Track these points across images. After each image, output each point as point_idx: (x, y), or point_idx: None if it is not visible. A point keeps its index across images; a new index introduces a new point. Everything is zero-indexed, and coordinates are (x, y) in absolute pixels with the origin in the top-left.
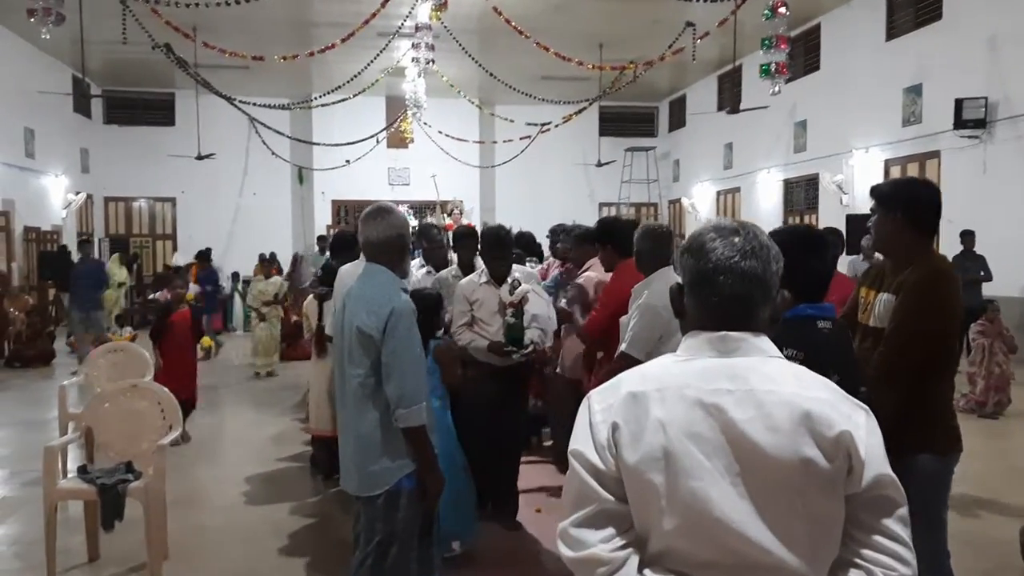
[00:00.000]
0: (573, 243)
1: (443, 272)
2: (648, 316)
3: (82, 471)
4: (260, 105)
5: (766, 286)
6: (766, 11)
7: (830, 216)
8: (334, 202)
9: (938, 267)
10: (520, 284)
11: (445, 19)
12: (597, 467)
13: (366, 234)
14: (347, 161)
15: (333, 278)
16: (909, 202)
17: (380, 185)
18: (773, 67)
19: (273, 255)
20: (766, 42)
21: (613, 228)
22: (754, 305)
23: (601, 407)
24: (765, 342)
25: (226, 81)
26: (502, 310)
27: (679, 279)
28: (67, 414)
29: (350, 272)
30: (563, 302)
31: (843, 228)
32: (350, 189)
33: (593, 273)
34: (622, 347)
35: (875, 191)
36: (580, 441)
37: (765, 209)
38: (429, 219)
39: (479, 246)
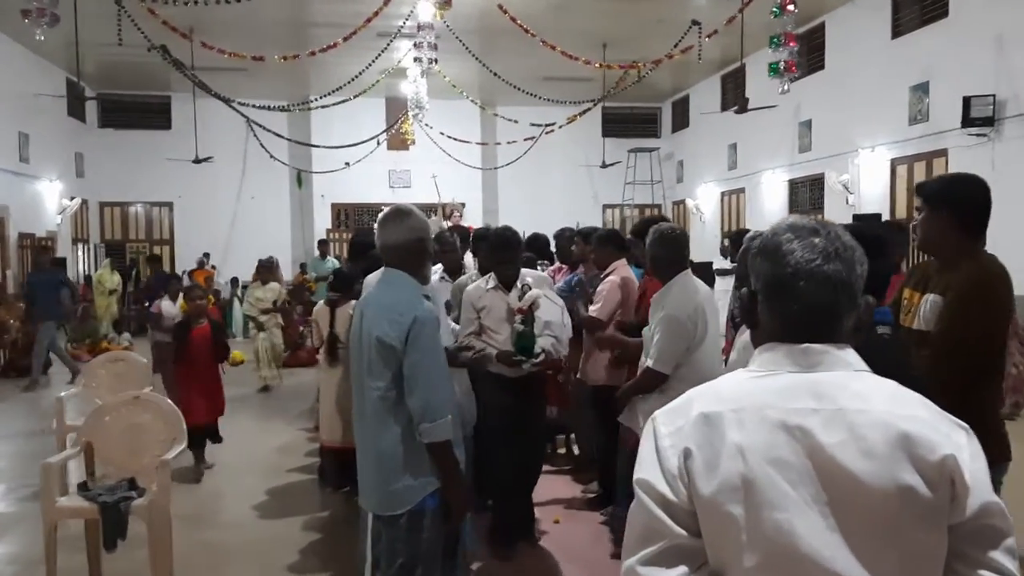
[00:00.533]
0: (595, 244)
1: (463, 278)
2: (672, 328)
3: (82, 488)
4: (258, 107)
5: (852, 292)
6: (775, 8)
7: (836, 216)
8: (334, 205)
9: (987, 269)
10: (530, 289)
11: (446, 19)
12: (667, 498)
13: (384, 238)
14: (347, 164)
15: (344, 284)
16: (956, 200)
17: (381, 188)
18: (782, 65)
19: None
20: (774, 40)
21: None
22: (839, 313)
23: (669, 430)
24: (851, 354)
25: (223, 83)
26: (510, 317)
27: (698, 283)
28: (65, 427)
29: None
30: (592, 309)
31: None
32: (350, 192)
33: (616, 276)
34: (648, 363)
35: (921, 188)
36: (646, 469)
37: (770, 210)
38: (432, 218)
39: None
